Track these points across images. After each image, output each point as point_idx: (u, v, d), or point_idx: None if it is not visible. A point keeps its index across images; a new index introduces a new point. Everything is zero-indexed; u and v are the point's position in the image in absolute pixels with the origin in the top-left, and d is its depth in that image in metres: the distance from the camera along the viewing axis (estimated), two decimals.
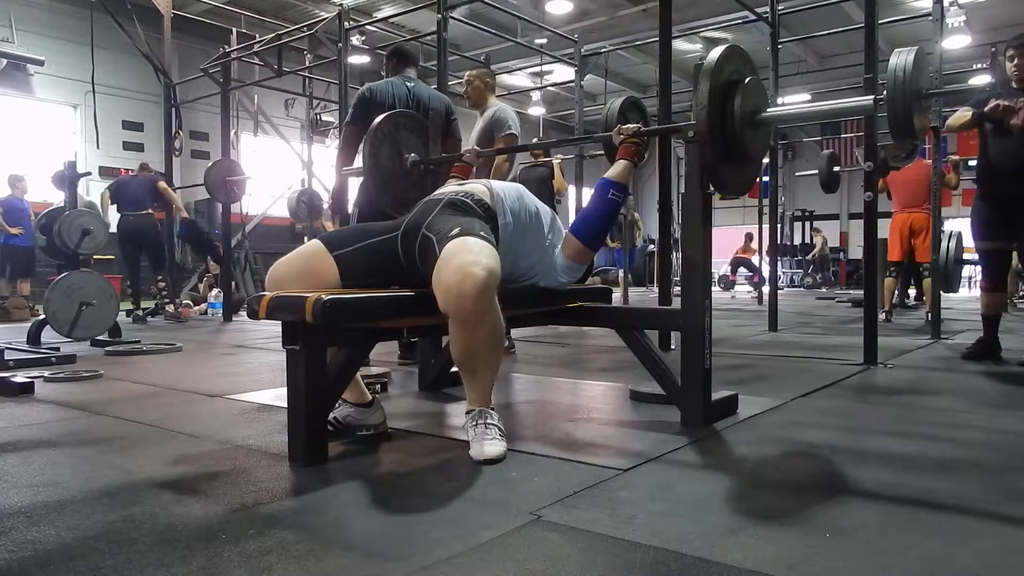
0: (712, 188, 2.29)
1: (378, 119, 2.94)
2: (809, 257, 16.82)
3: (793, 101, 13.45)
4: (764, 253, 8.44)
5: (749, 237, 13.31)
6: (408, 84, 3.77)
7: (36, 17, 11.02)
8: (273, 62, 7.45)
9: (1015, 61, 3.66)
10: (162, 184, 7.47)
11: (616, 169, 2.35)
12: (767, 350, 4.41)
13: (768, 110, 2.28)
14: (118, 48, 8.73)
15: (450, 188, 2.32)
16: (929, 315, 6.15)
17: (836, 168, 7.63)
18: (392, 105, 3.65)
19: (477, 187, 2.25)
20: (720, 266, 15.17)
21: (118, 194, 7.28)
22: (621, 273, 8.34)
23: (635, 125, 2.42)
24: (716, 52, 2.15)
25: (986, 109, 3.46)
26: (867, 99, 2.17)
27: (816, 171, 7.66)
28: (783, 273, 15.78)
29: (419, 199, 2.90)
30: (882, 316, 6.39)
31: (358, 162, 3.41)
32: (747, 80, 2.19)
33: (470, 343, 1.89)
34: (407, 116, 3.09)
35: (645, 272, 15.76)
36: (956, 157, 6.74)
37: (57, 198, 7.39)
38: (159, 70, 8.64)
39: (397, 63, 3.95)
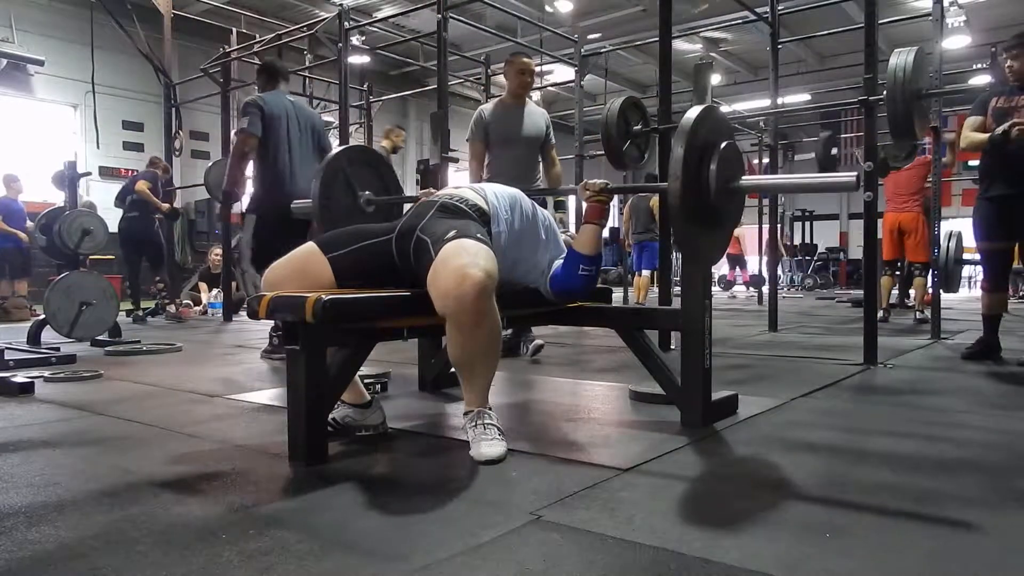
0: (684, 255, 2.21)
1: (330, 155, 2.87)
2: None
3: (793, 101, 13.46)
4: (763, 252, 8.43)
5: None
6: (289, 99, 4.05)
7: (36, 17, 11.02)
8: None
9: (1018, 61, 3.68)
10: (139, 184, 7.08)
11: (583, 238, 2.21)
12: (767, 350, 4.41)
13: (743, 179, 2.11)
14: (118, 48, 8.74)
15: (444, 191, 2.31)
16: (918, 315, 6.18)
17: (834, 151, 7.50)
18: (281, 117, 3.95)
19: (471, 193, 2.22)
20: (720, 266, 15.17)
21: (120, 196, 7.30)
22: (647, 273, 8.24)
23: (602, 181, 2.26)
24: (691, 114, 1.99)
25: (997, 132, 3.53)
26: (850, 176, 2.03)
27: (813, 154, 7.54)
28: (783, 274, 15.77)
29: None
30: (880, 314, 6.39)
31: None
32: (723, 145, 2.02)
33: (468, 345, 1.89)
34: (359, 150, 3.01)
35: None
36: (951, 157, 6.76)
37: (57, 198, 7.39)
38: (159, 70, 8.65)
39: (268, 79, 4.14)
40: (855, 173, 2.02)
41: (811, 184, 2.28)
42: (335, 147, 3.66)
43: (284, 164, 3.94)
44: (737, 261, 13.36)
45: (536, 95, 15.62)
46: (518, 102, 4.10)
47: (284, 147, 3.93)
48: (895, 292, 7.29)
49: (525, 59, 4.14)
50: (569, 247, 2.26)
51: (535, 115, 4.13)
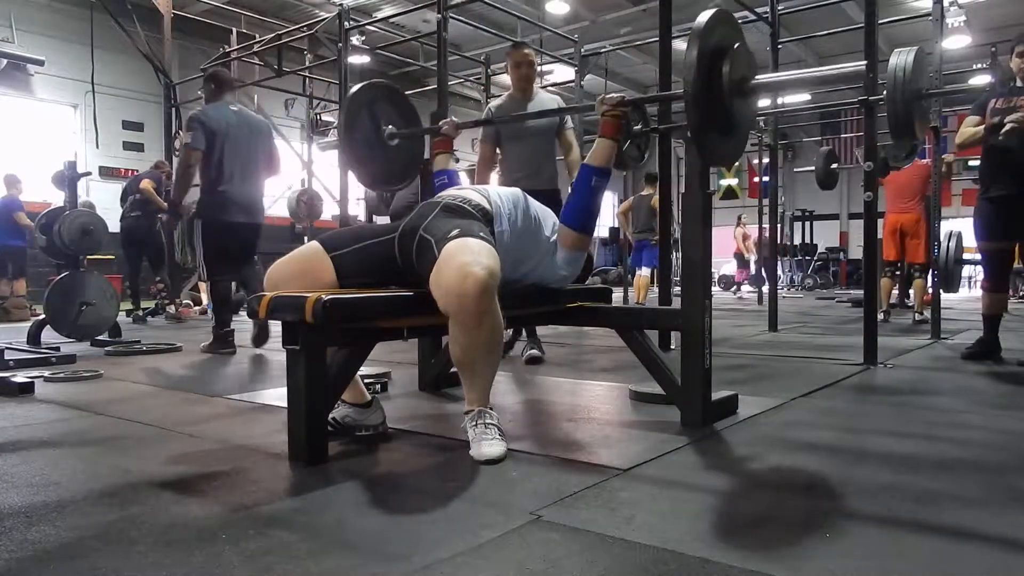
0: (698, 154, 2.21)
1: (355, 88, 2.94)
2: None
3: (793, 101, 13.45)
4: (762, 252, 8.44)
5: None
6: (232, 108, 4.36)
7: (36, 17, 11.02)
8: (273, 62, 7.46)
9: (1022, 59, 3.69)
10: (144, 183, 7.08)
11: (596, 151, 2.30)
12: (767, 350, 4.41)
13: (757, 77, 2.17)
14: (118, 48, 8.74)
15: (447, 193, 2.32)
16: (916, 316, 6.19)
17: (834, 165, 7.64)
18: (226, 130, 4.23)
19: (474, 194, 2.25)
20: (720, 266, 15.17)
21: (123, 195, 7.31)
22: (647, 272, 8.22)
23: (618, 95, 2.33)
24: (705, 16, 2.06)
25: (992, 122, 3.54)
26: (859, 64, 2.06)
27: (813, 168, 7.68)
28: (783, 274, 15.77)
29: (397, 173, 2.95)
30: (880, 316, 6.40)
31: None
32: (736, 46, 2.10)
33: (470, 343, 1.89)
34: (383, 86, 3.07)
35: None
36: (952, 156, 6.76)
37: (57, 198, 7.39)
38: (159, 70, 8.65)
39: (215, 89, 4.43)
40: (864, 62, 2.04)
41: (822, 75, 2.31)
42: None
43: (226, 174, 4.26)
44: (744, 261, 13.39)
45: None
46: (524, 95, 3.97)
47: (226, 158, 4.25)
48: (895, 292, 7.30)
49: (524, 51, 4.02)
50: (583, 163, 2.33)
51: (545, 104, 3.97)
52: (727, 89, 2.05)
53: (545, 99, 4.04)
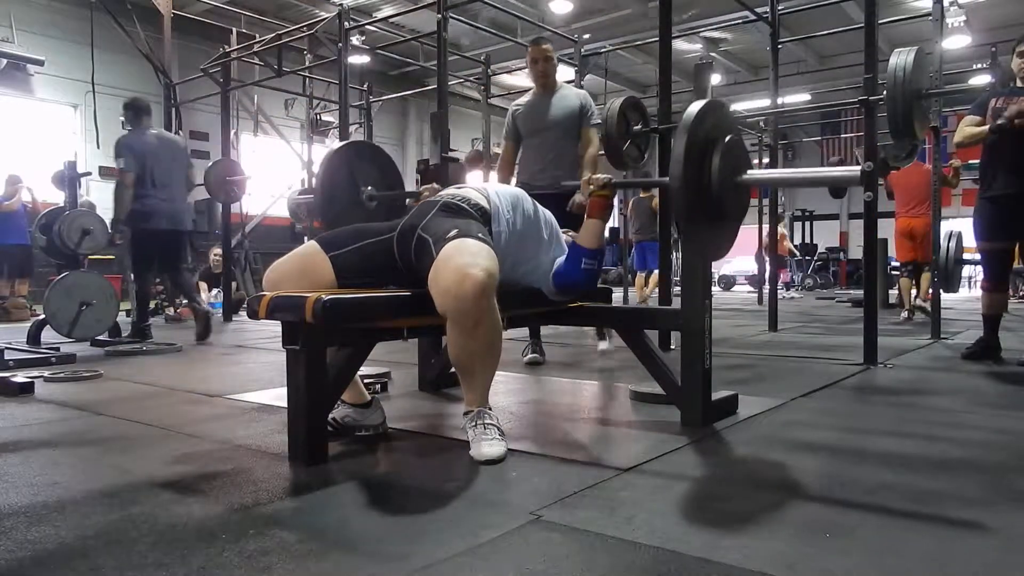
0: (688, 244, 2.20)
1: (335, 147, 2.90)
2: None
3: (793, 101, 13.46)
4: (764, 252, 8.45)
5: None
6: (152, 132, 5.08)
7: (36, 17, 11.01)
8: (273, 62, 7.45)
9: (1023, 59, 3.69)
10: None
11: (587, 233, 2.26)
12: (767, 350, 4.41)
13: (749, 173, 2.09)
14: (118, 48, 8.72)
15: (447, 191, 2.31)
16: (919, 303, 6.24)
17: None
18: (149, 151, 4.91)
19: (473, 192, 2.23)
20: (720, 266, 15.14)
21: None
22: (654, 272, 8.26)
23: (605, 177, 2.29)
24: (695, 106, 1.98)
25: (997, 123, 3.52)
26: (855, 169, 2.04)
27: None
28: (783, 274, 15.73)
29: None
30: (904, 315, 6.43)
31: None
32: (727, 139, 2.02)
33: (468, 344, 1.89)
34: (362, 146, 3.03)
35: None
36: (958, 162, 6.78)
37: (57, 198, 7.38)
38: (159, 70, 8.63)
39: (135, 115, 5.02)
40: (859, 167, 2.03)
41: (817, 178, 2.30)
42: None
43: (149, 188, 4.89)
44: (782, 261, 13.38)
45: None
46: (545, 91, 3.91)
47: (150, 175, 4.90)
48: (893, 292, 7.30)
49: (541, 46, 3.93)
50: (572, 242, 2.29)
51: (568, 98, 3.89)
52: (716, 183, 1.98)
53: (569, 94, 3.95)
